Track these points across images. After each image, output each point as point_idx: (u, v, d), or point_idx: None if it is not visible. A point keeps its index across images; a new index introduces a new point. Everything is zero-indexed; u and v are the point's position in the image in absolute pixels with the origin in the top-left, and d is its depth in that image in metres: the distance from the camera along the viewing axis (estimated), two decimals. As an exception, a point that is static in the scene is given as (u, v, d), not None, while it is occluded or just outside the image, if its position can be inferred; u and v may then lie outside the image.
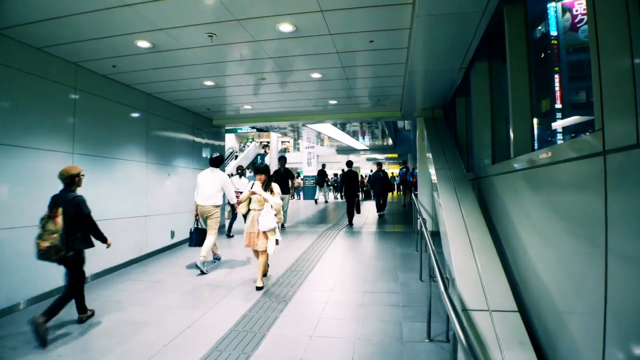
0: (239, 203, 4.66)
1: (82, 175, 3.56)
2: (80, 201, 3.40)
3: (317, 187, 15.85)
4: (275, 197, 4.40)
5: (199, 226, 5.23)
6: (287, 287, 4.44)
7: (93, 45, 4.11)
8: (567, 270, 2.07)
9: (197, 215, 5.23)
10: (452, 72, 4.87)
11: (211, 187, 5.24)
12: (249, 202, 4.50)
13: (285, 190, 7.72)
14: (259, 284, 4.35)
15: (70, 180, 3.45)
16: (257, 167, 4.54)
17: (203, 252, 5.06)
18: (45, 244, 3.16)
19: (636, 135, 1.40)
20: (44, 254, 3.19)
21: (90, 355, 2.94)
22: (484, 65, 4.41)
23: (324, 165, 17.09)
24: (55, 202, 3.35)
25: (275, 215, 4.36)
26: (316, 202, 15.34)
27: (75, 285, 3.45)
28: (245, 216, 4.61)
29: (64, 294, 3.35)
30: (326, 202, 15.59)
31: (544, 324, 2.38)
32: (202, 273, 5.00)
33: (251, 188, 4.47)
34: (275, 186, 4.48)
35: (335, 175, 20.73)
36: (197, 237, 5.14)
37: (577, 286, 1.95)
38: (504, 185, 3.42)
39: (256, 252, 4.48)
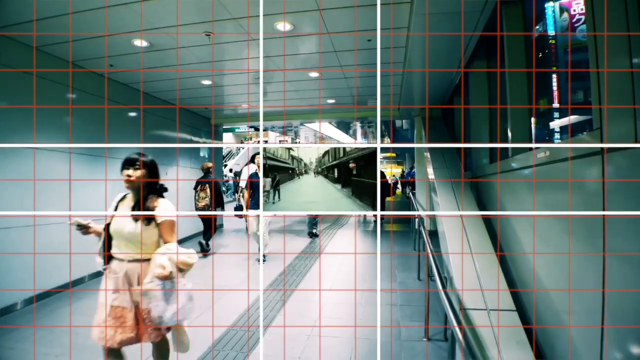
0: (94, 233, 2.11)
1: (212, 167, 6.13)
2: (216, 182, 5.82)
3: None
4: (170, 239, 2.01)
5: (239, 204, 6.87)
6: (285, 286, 4.43)
7: (90, 44, 4.08)
8: (565, 270, 2.07)
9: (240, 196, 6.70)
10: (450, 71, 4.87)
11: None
12: (109, 239, 2.07)
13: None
14: None
15: (207, 170, 6.00)
16: (127, 158, 2.08)
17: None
18: (201, 204, 5.74)
19: (635, 134, 1.40)
20: (201, 209, 5.78)
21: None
22: (482, 65, 4.41)
23: None
24: (201, 182, 5.84)
25: (182, 271, 1.94)
26: None
27: (207, 230, 5.94)
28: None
29: (204, 232, 5.95)
30: None
31: (542, 324, 2.38)
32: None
33: (115, 207, 2.14)
34: (163, 204, 2.08)
35: None
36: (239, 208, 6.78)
37: (575, 286, 1.95)
38: (502, 185, 3.42)
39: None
